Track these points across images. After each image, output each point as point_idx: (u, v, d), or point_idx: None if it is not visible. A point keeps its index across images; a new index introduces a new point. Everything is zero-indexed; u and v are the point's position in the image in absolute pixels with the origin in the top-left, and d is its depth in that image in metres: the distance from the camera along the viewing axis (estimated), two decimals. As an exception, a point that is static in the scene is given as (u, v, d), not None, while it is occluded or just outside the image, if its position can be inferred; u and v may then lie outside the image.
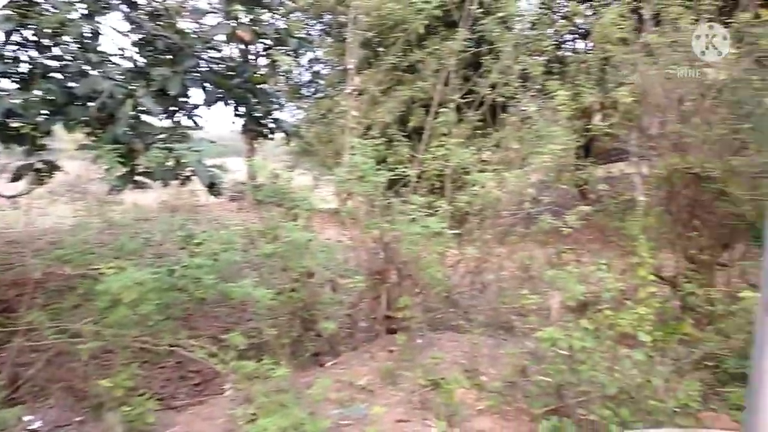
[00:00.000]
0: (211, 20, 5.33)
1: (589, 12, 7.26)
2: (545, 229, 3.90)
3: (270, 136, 5.66)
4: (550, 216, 3.97)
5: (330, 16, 7.12)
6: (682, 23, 4.06)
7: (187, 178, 4.72)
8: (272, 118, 5.53)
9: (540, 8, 6.69)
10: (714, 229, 4.52)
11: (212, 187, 4.40)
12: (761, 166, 3.97)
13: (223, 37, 5.05)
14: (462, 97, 4.49)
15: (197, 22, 5.62)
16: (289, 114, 7.87)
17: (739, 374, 3.54)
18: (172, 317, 4.01)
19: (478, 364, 3.74)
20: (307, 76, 7.39)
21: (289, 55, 5.15)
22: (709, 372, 3.63)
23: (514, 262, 4.81)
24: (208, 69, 5.21)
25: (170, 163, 4.32)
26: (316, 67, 7.22)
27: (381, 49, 5.08)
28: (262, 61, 5.44)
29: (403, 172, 3.81)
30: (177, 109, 5.20)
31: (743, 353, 3.48)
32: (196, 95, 5.44)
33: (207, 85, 5.10)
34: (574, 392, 3.19)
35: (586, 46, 10.15)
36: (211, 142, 4.43)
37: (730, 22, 4.12)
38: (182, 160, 4.20)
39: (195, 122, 5.28)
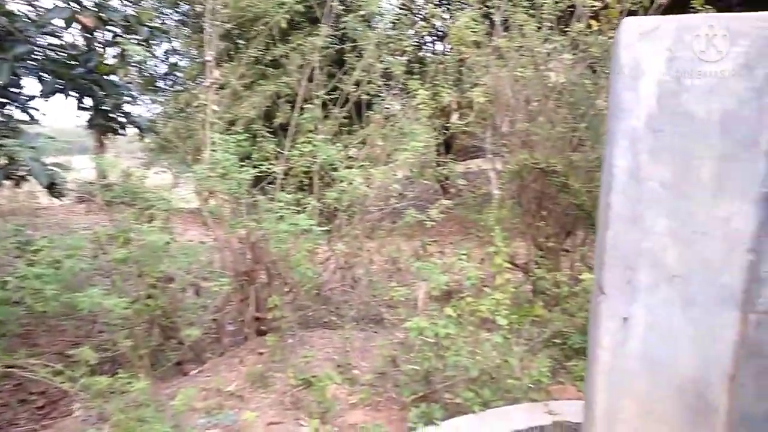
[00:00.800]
0: (47, 3, 4.79)
1: (446, 15, 7.63)
2: (410, 222, 4.02)
3: (121, 131, 5.22)
4: (414, 210, 4.11)
5: (187, 6, 6.73)
6: (526, 29, 4.40)
7: (22, 177, 4.20)
8: (122, 112, 5.10)
9: (400, 9, 6.89)
10: (559, 219, 4.98)
11: (52, 188, 3.96)
12: (595, 161, 4.46)
13: (62, 23, 4.55)
14: (327, 94, 4.49)
15: (31, 5, 5.02)
16: (144, 108, 7.33)
17: (582, 349, 3.93)
18: (7, 335, 3.56)
19: (350, 358, 3.77)
20: (163, 68, 6.93)
21: (141, 44, 4.78)
22: (557, 349, 3.99)
23: (383, 255, 4.93)
24: (44, 57, 4.67)
25: (0, 161, 3.82)
26: (174, 59, 6.79)
27: (242, 41, 4.91)
28: (112, 50, 4.99)
29: (269, 168, 3.71)
30: (7, 100, 4.60)
31: (584, 330, 3.87)
32: (31, 85, 4.87)
33: (44, 74, 4.57)
34: (441, 378, 3.34)
35: (444, 48, 10.67)
36: (50, 137, 3.97)
37: (567, 31, 4.55)
38: (15, 158, 3.72)
39: (30, 115, 4.71)
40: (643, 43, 1.17)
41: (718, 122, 1.14)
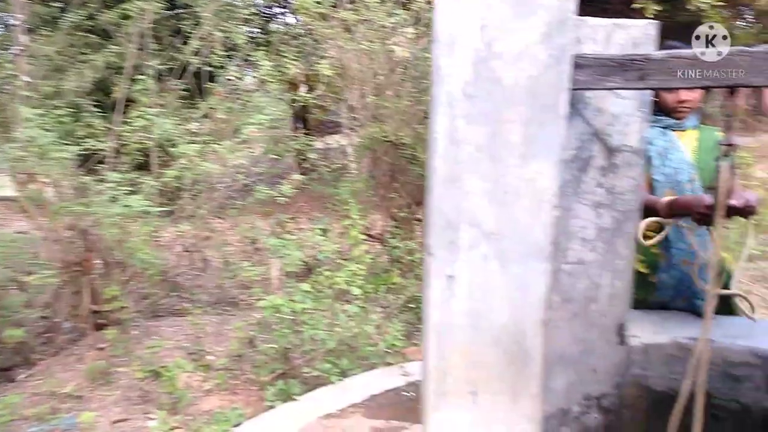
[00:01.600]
0: None
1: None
2: (262, 199, 3.91)
3: None
4: (265, 186, 4.00)
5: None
6: (370, 2, 4.43)
7: None
8: None
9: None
10: (410, 189, 5.16)
11: None
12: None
13: None
14: (164, 65, 4.16)
15: None
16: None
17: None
18: None
19: (203, 344, 3.61)
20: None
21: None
22: (412, 314, 4.16)
23: (236, 235, 4.76)
24: None
25: None
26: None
27: (61, 5, 4.36)
28: None
29: (95, 146, 3.36)
30: None
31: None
32: None
33: None
34: (300, 353, 3.33)
35: (296, 20, 10.44)
36: None
37: (410, 5, 4.66)
38: None
39: None
40: (457, 9, 1.21)
41: (524, 88, 1.21)
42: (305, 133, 7.45)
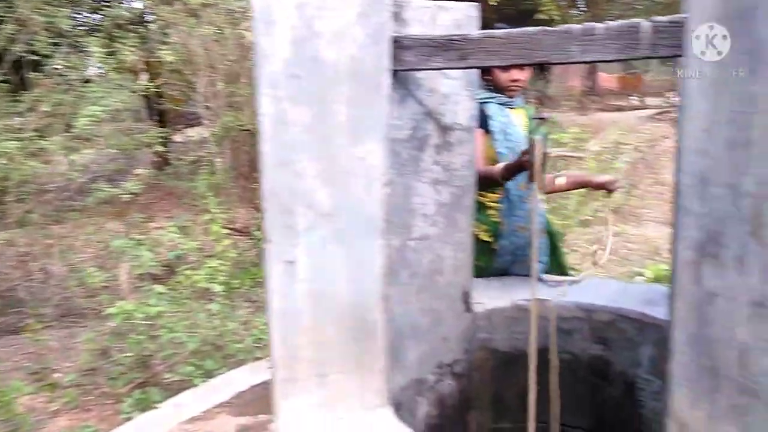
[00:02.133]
0: None
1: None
2: (107, 199, 3.60)
3: None
4: (109, 185, 3.68)
5: None
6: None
7: None
8: None
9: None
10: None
11: None
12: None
13: None
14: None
15: None
16: None
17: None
18: None
19: (48, 362, 3.27)
20: None
21: None
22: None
23: (81, 240, 4.35)
24: None
25: None
26: None
27: None
28: None
29: None
30: None
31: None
32: None
33: None
34: (160, 359, 3.13)
35: (142, 5, 9.71)
36: None
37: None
38: None
39: None
40: (274, -12, 1.17)
41: (347, 68, 1.22)
42: (160, 126, 6.99)
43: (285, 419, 1.34)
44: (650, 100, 14.16)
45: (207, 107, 4.76)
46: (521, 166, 1.92)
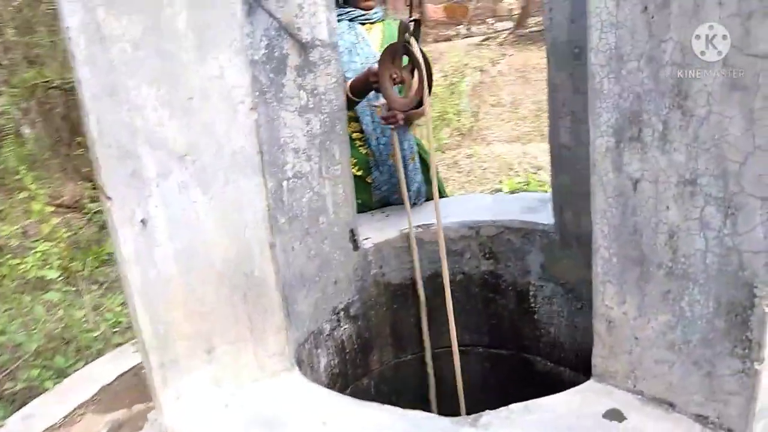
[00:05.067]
0: None
1: None
2: None
3: None
4: None
5: None
6: None
7: None
8: None
9: None
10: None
11: None
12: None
13: None
14: None
15: None
16: None
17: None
18: None
19: None
20: None
21: None
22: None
23: None
24: None
25: None
26: None
27: None
28: None
29: None
30: None
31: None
32: None
33: None
34: (-7, 369, 2.62)
35: None
36: None
37: None
38: None
39: None
40: None
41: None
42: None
43: (169, 408, 1.10)
44: (476, 29, 14.75)
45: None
46: (363, 80, 1.76)
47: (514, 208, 1.90)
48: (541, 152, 5.04)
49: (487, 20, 16.52)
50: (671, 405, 0.91)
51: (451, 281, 1.84)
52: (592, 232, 0.95)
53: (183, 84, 0.96)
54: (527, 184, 4.38)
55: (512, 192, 4.30)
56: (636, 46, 0.82)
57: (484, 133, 5.93)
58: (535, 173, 4.64)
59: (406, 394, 2.01)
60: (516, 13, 15.00)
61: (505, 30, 12.91)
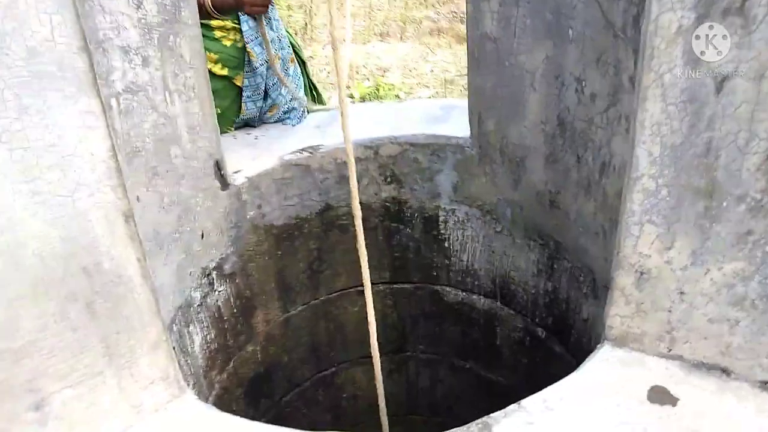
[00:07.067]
0: None
1: None
2: None
3: None
4: None
5: None
6: None
7: None
8: None
9: None
10: None
11: None
12: None
13: None
14: None
15: None
16: None
17: None
18: None
19: None
20: None
21: None
22: None
23: None
24: None
25: None
26: None
27: None
28: None
29: None
30: None
31: None
32: None
33: None
34: None
35: None
36: None
37: None
38: None
39: None
40: None
41: None
42: None
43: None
44: None
45: None
46: None
47: (414, 118, 1.57)
48: (384, 53, 4.70)
49: None
50: (725, 371, 0.71)
51: (345, 213, 1.51)
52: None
53: None
54: (377, 89, 4.06)
55: (362, 98, 3.96)
56: None
57: (319, 31, 5.38)
58: (382, 75, 4.32)
59: (298, 350, 1.68)
60: None
61: None
